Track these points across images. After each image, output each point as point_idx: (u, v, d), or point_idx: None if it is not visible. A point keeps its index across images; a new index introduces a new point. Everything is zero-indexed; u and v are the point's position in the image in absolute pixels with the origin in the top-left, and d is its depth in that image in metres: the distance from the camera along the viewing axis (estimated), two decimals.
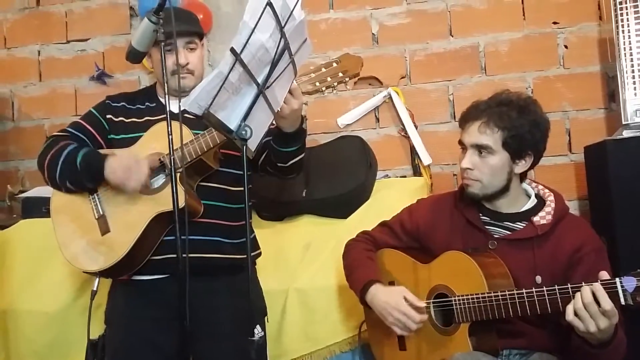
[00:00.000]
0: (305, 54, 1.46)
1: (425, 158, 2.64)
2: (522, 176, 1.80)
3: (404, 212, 1.94)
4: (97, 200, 1.84)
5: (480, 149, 1.72)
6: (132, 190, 1.76)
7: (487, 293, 1.62)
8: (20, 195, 2.74)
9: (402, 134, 2.74)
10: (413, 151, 2.69)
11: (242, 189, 1.86)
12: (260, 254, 1.98)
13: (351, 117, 2.77)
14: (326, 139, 2.69)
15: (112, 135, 1.93)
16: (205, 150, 1.75)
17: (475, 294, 1.64)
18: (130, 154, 1.80)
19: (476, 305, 1.63)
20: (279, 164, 1.84)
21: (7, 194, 2.94)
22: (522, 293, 1.57)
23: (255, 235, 1.98)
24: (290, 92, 1.55)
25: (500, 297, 1.60)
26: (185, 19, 1.93)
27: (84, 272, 1.87)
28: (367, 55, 2.77)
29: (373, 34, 2.84)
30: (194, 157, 1.75)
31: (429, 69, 2.77)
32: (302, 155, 1.86)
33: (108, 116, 1.94)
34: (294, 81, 1.55)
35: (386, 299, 1.75)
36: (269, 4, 1.18)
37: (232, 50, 1.20)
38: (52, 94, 3.08)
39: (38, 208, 2.47)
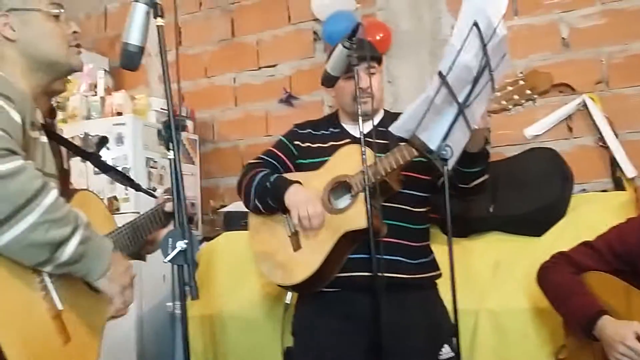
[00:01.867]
0: (504, 68, 1.42)
1: (629, 170, 2.41)
2: None
3: (612, 232, 1.77)
4: (290, 218, 1.92)
5: None
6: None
7: None
8: (221, 210, 3.01)
9: (600, 143, 2.53)
10: (613, 162, 2.47)
11: (424, 209, 1.88)
12: (440, 274, 1.94)
13: (540, 128, 2.62)
14: (513, 151, 2.57)
15: (300, 160, 2.03)
16: (389, 171, 1.77)
17: None
18: (314, 190, 1.88)
19: None
20: (460, 185, 1.82)
21: (210, 208, 3.28)
22: None
23: (434, 257, 1.95)
24: None
25: None
26: (365, 44, 1.99)
27: (277, 285, 1.99)
28: (557, 62, 2.63)
29: (563, 38, 2.66)
30: (378, 178, 1.78)
31: (629, 72, 2.53)
32: (486, 176, 1.82)
33: (296, 142, 2.05)
34: None
35: (614, 332, 1.60)
36: (476, 24, 1.16)
37: (440, 74, 1.21)
38: (246, 117, 3.35)
39: (237, 221, 2.68)
